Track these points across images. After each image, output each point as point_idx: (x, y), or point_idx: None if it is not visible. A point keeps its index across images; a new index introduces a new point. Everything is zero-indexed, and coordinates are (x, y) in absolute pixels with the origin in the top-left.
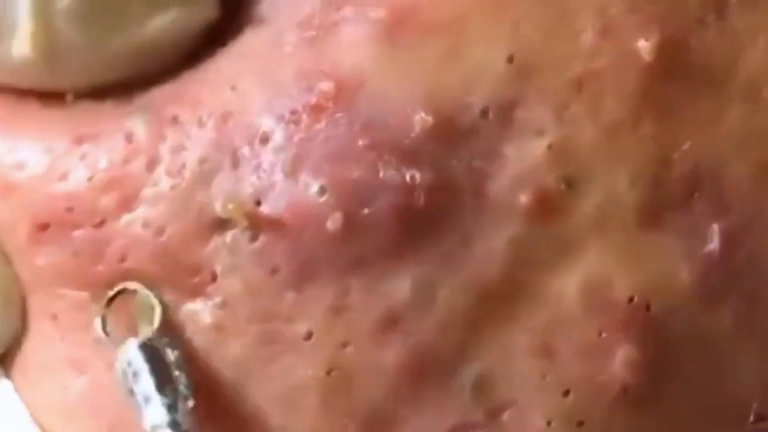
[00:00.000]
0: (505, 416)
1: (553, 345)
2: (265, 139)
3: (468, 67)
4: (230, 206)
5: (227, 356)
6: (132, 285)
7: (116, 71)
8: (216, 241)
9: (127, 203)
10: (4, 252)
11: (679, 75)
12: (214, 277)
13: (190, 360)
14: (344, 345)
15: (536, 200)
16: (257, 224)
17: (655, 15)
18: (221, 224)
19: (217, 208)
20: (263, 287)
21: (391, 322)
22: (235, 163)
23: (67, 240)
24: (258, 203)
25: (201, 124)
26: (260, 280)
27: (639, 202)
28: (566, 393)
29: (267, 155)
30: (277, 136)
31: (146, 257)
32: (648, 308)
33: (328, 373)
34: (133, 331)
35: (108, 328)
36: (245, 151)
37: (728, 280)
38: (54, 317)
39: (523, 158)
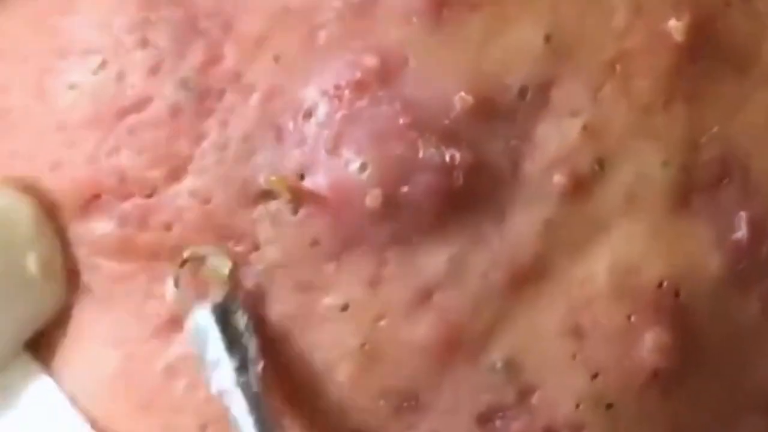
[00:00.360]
0: (535, 398)
1: (582, 326)
2: (308, 114)
3: (508, 46)
4: (273, 178)
5: (266, 325)
6: (204, 248)
7: None
8: (259, 210)
9: (176, 175)
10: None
11: (707, 56)
12: (256, 246)
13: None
14: (379, 318)
15: (570, 181)
16: (299, 197)
17: None
18: (265, 195)
19: (261, 180)
20: (304, 258)
21: (425, 295)
22: (279, 137)
23: (117, 209)
24: (301, 177)
25: (245, 98)
26: (301, 251)
27: (670, 185)
28: (595, 375)
29: (310, 130)
30: (321, 112)
31: (192, 225)
32: (677, 294)
33: (362, 346)
34: (202, 296)
35: (180, 291)
36: (289, 125)
37: (756, 267)
38: (89, 290)
39: (558, 139)
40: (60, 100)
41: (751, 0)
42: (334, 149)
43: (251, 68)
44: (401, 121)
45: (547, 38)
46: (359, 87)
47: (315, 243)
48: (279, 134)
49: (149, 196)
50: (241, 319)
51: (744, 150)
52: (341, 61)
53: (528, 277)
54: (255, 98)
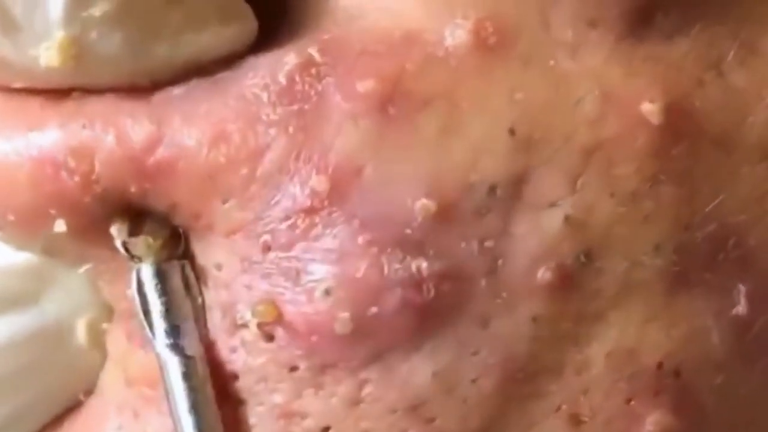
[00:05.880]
0: None
1: (579, 414)
2: (266, 248)
3: (468, 142)
4: (260, 307)
5: None
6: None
7: (149, 79)
8: (236, 341)
9: None
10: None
11: (689, 137)
12: (235, 377)
13: None
14: None
15: (557, 276)
16: (270, 327)
17: (655, 77)
18: (242, 325)
19: (242, 311)
20: (282, 384)
21: (410, 410)
22: (245, 269)
23: None
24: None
25: (210, 230)
26: (279, 378)
27: (664, 269)
28: None
29: (271, 263)
30: (276, 245)
31: None
32: (678, 373)
33: None
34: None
35: (129, 248)
36: (254, 257)
37: (758, 341)
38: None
39: (538, 233)
40: None
41: (725, 75)
42: (296, 278)
43: (209, 209)
44: (360, 239)
45: (512, 131)
46: (311, 212)
47: (293, 369)
48: (244, 267)
49: None
50: (185, 280)
51: (737, 224)
52: (290, 188)
53: (521, 377)
54: (220, 232)
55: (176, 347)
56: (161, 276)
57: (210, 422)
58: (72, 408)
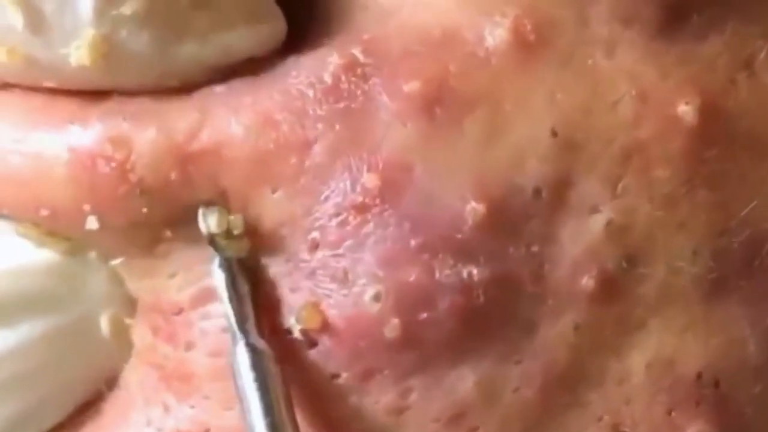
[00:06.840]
0: None
1: (621, 425)
2: (314, 246)
3: (513, 143)
4: (304, 312)
5: None
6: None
7: (177, 80)
8: (281, 344)
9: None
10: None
11: (723, 138)
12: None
13: None
14: None
15: (599, 282)
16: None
17: (688, 77)
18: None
19: (286, 315)
20: (324, 392)
21: (453, 419)
22: (291, 270)
23: None
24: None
25: (258, 225)
26: (321, 385)
27: (702, 276)
28: None
29: (318, 262)
30: (325, 242)
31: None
32: (717, 384)
33: None
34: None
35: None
36: (301, 255)
37: None
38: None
39: (581, 239)
40: None
41: (757, 75)
42: (344, 280)
43: (258, 197)
44: (412, 242)
45: (554, 133)
46: (362, 210)
47: (335, 376)
48: (289, 267)
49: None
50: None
51: None
52: (341, 184)
53: (563, 386)
54: (266, 230)
55: (248, 343)
56: (230, 271)
57: (282, 419)
58: (94, 400)
